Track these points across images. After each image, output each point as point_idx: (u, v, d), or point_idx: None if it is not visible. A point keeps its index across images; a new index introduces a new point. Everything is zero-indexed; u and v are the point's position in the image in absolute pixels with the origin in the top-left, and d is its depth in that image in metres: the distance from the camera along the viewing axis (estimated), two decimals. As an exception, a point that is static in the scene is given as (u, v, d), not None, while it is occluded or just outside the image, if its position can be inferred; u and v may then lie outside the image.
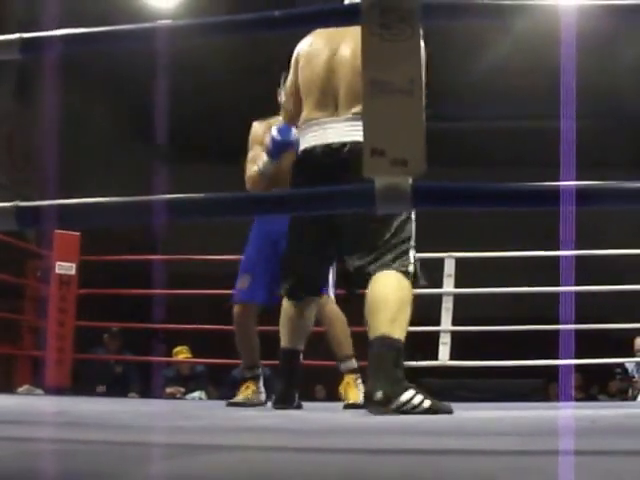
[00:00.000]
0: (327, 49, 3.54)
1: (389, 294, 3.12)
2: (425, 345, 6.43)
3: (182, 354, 8.06)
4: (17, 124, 10.07)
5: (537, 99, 10.32)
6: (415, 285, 3.29)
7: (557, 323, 6.50)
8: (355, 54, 3.39)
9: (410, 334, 7.43)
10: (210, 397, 8.20)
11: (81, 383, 7.15)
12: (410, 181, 1.82)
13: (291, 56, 3.68)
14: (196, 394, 8.08)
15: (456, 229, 11.28)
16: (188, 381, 8.27)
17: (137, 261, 7.79)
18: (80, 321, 6.72)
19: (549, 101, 6.88)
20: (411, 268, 3.25)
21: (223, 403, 4.80)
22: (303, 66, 3.59)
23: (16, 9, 9.40)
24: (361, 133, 3.31)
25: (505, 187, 1.97)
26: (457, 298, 6.31)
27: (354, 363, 4.61)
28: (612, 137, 12.29)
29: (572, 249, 6.22)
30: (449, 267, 6.30)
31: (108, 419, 2.94)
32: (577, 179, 1.94)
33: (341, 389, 4.64)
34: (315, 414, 3.53)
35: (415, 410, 2.89)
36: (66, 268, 6.54)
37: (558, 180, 1.93)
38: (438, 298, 6.35)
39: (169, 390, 8.07)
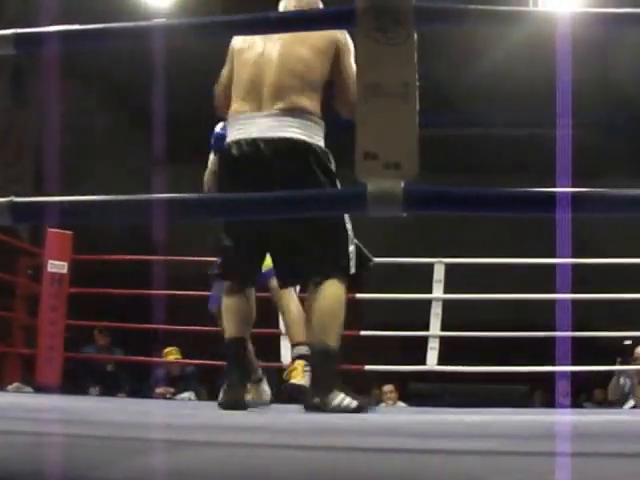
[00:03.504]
0: (257, 46, 3.63)
1: (335, 309, 3.40)
2: (413, 350, 6.45)
3: (172, 355, 8.05)
4: (11, 121, 10.06)
5: (538, 107, 10.33)
6: (365, 269, 3.55)
7: (545, 330, 6.52)
8: (281, 52, 3.57)
9: (399, 338, 7.43)
10: (200, 398, 8.19)
11: (71, 382, 7.13)
12: (402, 185, 1.83)
13: None
14: (186, 395, 8.07)
15: (446, 235, 11.30)
16: (178, 382, 8.26)
17: (130, 261, 7.78)
18: (71, 320, 6.72)
19: (550, 109, 6.91)
20: (352, 270, 3.50)
21: (213, 404, 4.80)
22: (235, 60, 3.69)
23: (11, 6, 9.39)
24: (285, 129, 3.43)
25: (497, 192, 1.99)
26: (446, 304, 6.33)
27: (305, 349, 4.52)
28: (613, 145, 12.26)
29: (568, 256, 6.23)
30: (438, 273, 6.31)
31: (97, 416, 2.95)
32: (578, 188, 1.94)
33: (287, 372, 4.53)
34: (308, 414, 3.54)
35: (346, 411, 3.27)
36: (58, 266, 6.53)
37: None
38: (427, 303, 6.36)
39: (159, 390, 8.06)
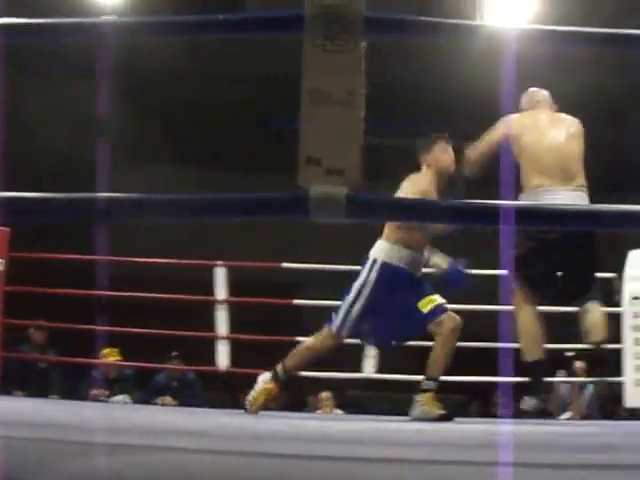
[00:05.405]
0: (550, 130, 4.32)
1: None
2: (350, 357, 6.44)
3: (111, 356, 7.96)
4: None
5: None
6: None
7: (483, 340, 6.56)
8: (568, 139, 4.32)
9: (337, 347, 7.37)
10: (135, 401, 8.11)
11: (4, 382, 6.99)
12: (345, 191, 1.83)
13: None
14: (120, 397, 7.98)
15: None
16: (114, 384, 8.16)
17: (71, 260, 7.68)
18: (8, 319, 6.60)
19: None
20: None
21: (148, 407, 4.75)
22: (525, 136, 4.30)
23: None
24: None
25: (440, 203, 2.00)
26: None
27: (433, 385, 4.56)
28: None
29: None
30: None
31: (35, 418, 2.91)
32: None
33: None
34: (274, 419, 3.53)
35: None
36: (-6, 264, 6.41)
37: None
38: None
39: (94, 392, 7.96)
